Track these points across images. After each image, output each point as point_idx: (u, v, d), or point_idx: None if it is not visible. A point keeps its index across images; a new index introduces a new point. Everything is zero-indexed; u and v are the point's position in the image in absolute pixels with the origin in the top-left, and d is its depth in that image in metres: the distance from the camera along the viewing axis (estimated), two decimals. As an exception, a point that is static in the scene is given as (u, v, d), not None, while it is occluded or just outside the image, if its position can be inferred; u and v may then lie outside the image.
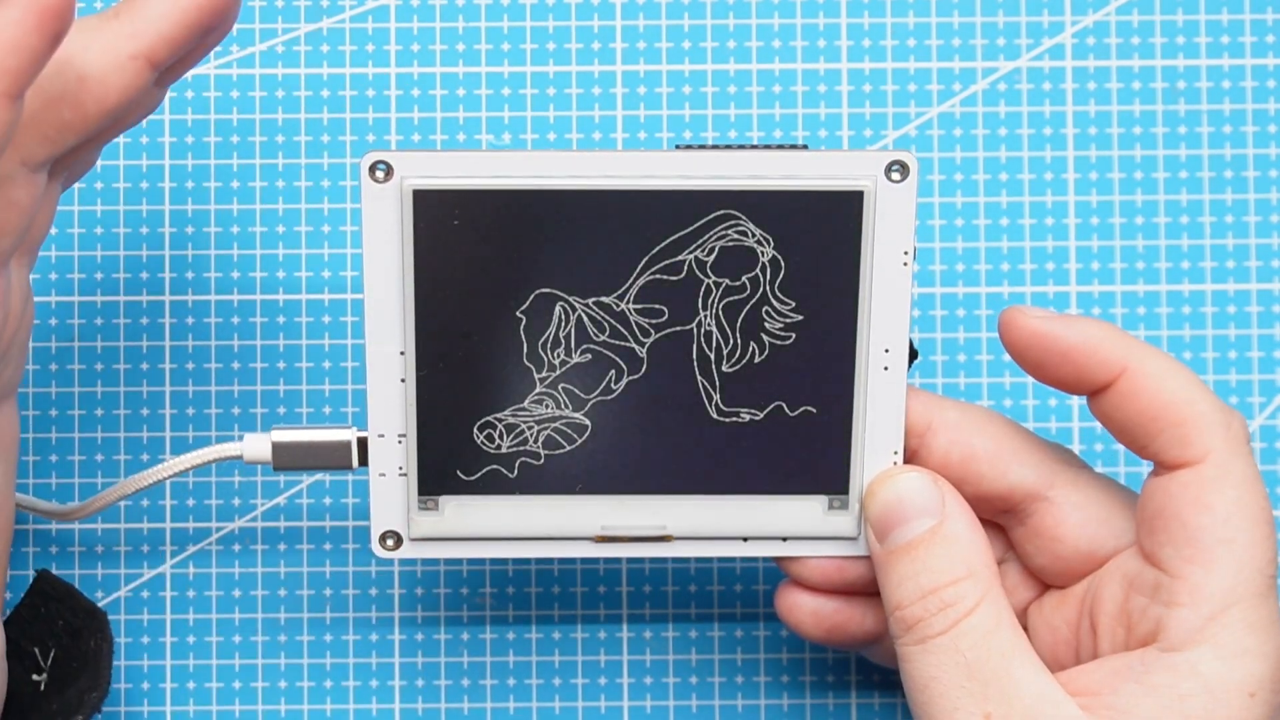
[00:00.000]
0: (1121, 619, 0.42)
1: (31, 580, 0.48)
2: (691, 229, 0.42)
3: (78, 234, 0.51)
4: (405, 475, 0.44)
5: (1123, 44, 0.51)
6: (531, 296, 0.42)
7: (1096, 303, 0.51)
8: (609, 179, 0.42)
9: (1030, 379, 0.50)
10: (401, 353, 0.43)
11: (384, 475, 0.44)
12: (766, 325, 0.43)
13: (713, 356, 0.43)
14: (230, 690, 0.51)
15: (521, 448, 0.44)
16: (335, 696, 0.51)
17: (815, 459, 0.44)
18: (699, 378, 0.43)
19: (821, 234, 0.42)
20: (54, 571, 0.50)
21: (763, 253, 0.42)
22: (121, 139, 0.51)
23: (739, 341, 0.43)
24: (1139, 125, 0.51)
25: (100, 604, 0.50)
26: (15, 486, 0.43)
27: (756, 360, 0.43)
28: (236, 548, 0.51)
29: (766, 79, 0.51)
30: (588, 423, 0.43)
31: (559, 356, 0.43)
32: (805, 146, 0.42)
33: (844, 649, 0.48)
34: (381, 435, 0.44)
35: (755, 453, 0.44)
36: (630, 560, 0.51)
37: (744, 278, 0.42)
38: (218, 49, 0.51)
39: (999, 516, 0.44)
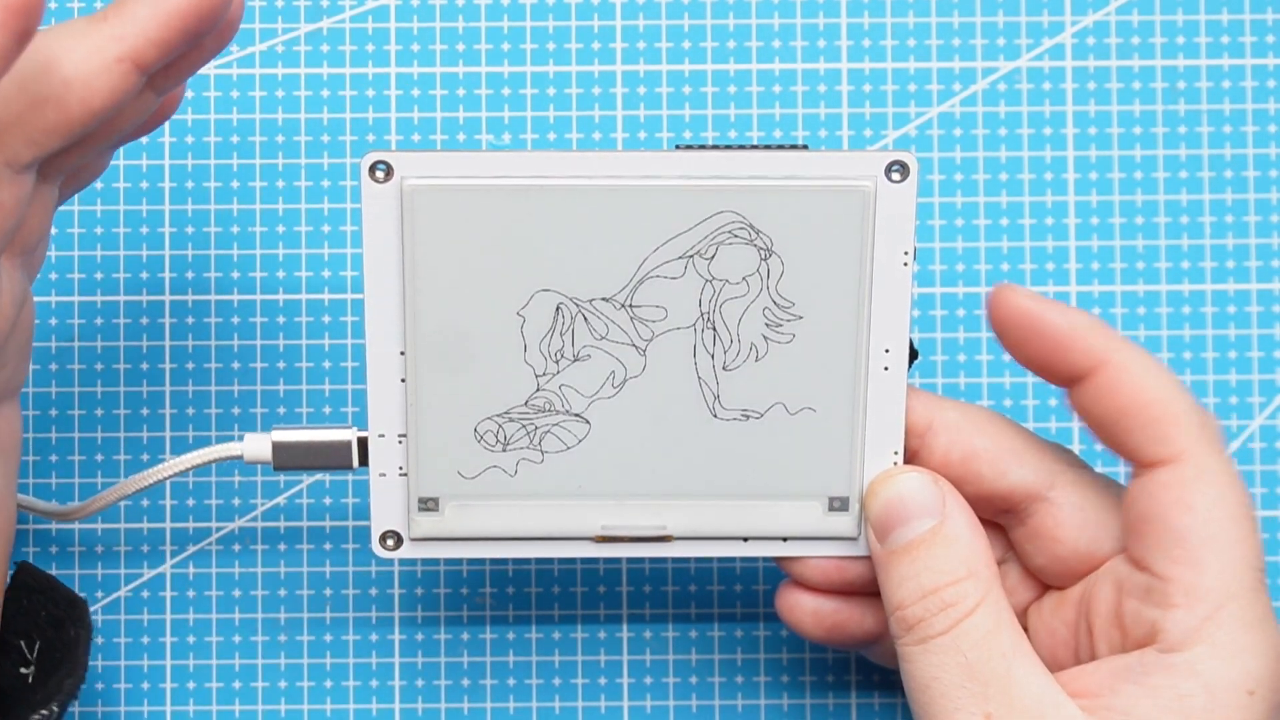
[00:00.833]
0: (1116, 622, 0.42)
1: (12, 573, 0.47)
2: (691, 229, 0.42)
3: (78, 234, 0.51)
4: (405, 475, 0.44)
5: (1123, 44, 0.51)
6: (531, 296, 0.42)
7: (1096, 302, 0.51)
8: (609, 179, 0.42)
9: (1031, 377, 0.50)
10: (401, 353, 0.43)
11: (384, 475, 0.44)
12: (767, 325, 0.43)
13: (713, 356, 0.43)
14: (230, 690, 0.51)
15: (522, 448, 0.44)
16: (335, 696, 0.51)
17: (815, 459, 0.44)
18: (699, 378, 0.43)
19: (822, 234, 0.42)
20: (54, 572, 0.50)
21: (763, 253, 0.42)
22: (121, 139, 0.51)
23: (739, 341, 0.43)
24: (1139, 125, 0.51)
25: (100, 604, 0.50)
26: (16, 487, 0.43)
27: (756, 360, 0.43)
28: (236, 548, 0.51)
29: (766, 79, 0.51)
30: (588, 423, 0.43)
31: (559, 356, 0.43)
32: (806, 146, 0.42)
33: (844, 649, 0.48)
34: (382, 435, 0.44)
35: (755, 453, 0.44)
36: (630, 560, 0.51)
37: (744, 278, 0.42)
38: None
39: (999, 516, 0.44)
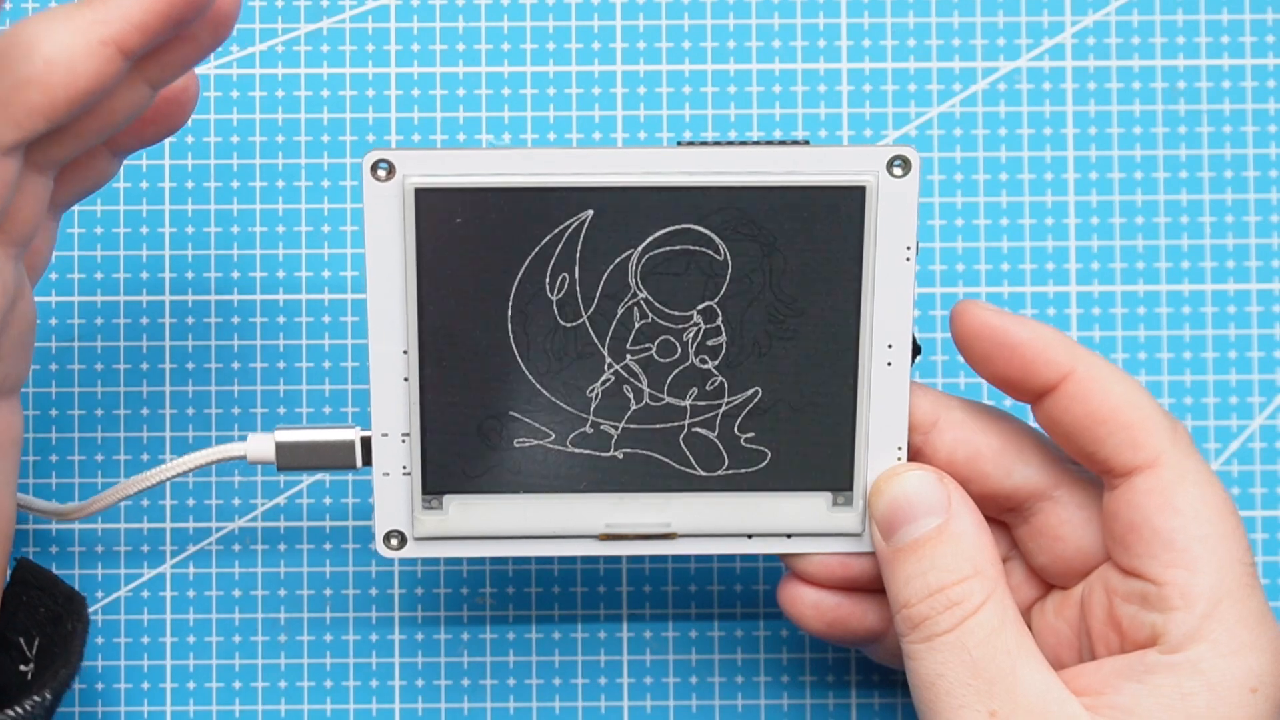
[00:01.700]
0: (1112, 625, 0.42)
1: (11, 569, 0.47)
2: (694, 225, 0.42)
3: (77, 234, 0.51)
4: (409, 474, 0.44)
5: (1123, 44, 0.51)
6: (534, 294, 0.42)
7: (1096, 303, 0.51)
8: (612, 176, 0.42)
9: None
10: (404, 352, 0.43)
11: (388, 475, 0.44)
12: (769, 321, 0.43)
13: (716, 352, 0.43)
14: (230, 690, 0.51)
15: (525, 446, 0.44)
16: (335, 696, 0.51)
17: (819, 455, 0.44)
18: (702, 372, 0.43)
19: (824, 229, 0.42)
20: (54, 571, 0.50)
21: (765, 248, 0.42)
22: (121, 139, 0.51)
23: (742, 337, 0.43)
24: (1139, 125, 0.51)
25: (100, 604, 0.50)
26: (16, 486, 0.43)
27: (760, 356, 0.43)
28: (236, 548, 0.51)
29: (766, 79, 0.51)
30: (591, 420, 0.43)
31: (561, 354, 0.43)
32: (808, 142, 0.42)
33: (845, 645, 0.48)
34: (385, 434, 0.43)
35: (759, 449, 0.44)
36: (630, 560, 0.51)
37: (747, 273, 0.42)
38: (218, 49, 0.51)
39: (1003, 515, 0.45)
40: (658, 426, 0.43)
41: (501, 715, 0.51)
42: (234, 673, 0.51)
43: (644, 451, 0.44)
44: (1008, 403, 0.51)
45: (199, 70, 0.51)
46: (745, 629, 0.51)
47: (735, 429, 0.43)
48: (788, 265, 0.42)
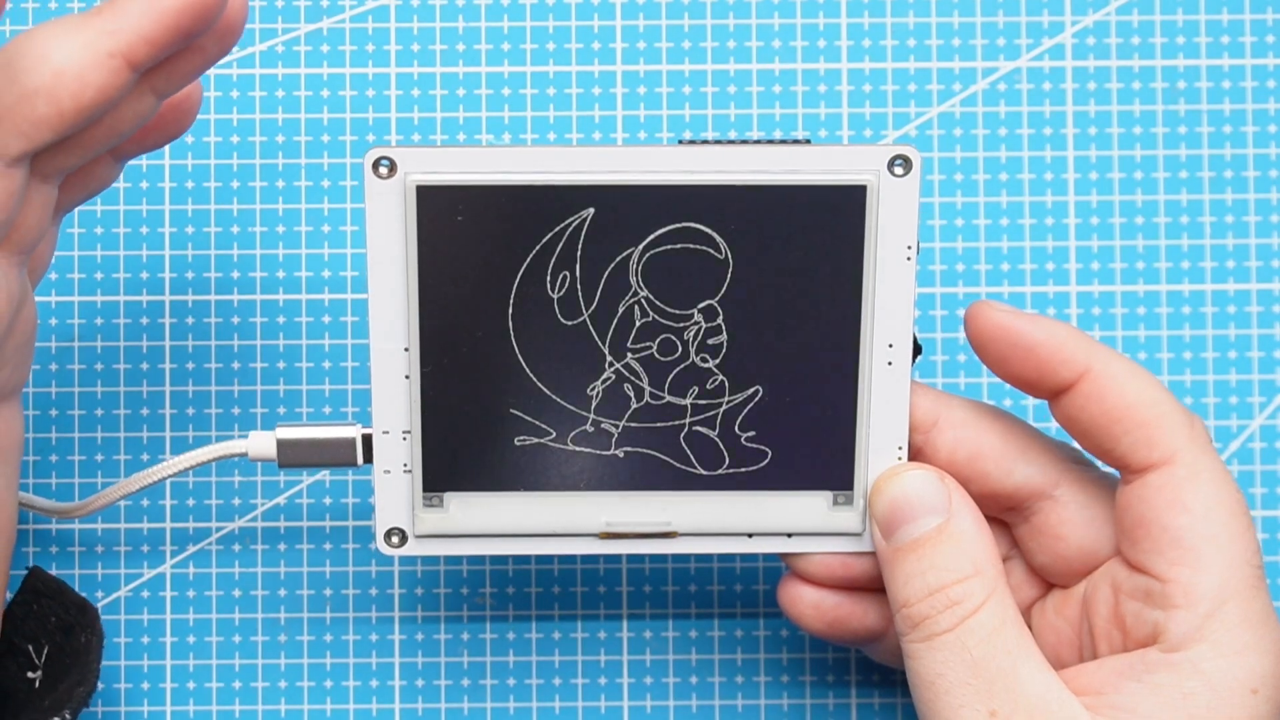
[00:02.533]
0: (1116, 623, 0.42)
1: (23, 576, 0.47)
2: (695, 224, 0.42)
3: (77, 234, 0.51)
4: (410, 472, 0.44)
5: (1123, 44, 0.51)
6: (535, 292, 0.42)
7: (1096, 302, 0.51)
8: (612, 174, 0.42)
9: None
10: (405, 349, 0.43)
11: (389, 472, 0.44)
12: (770, 320, 0.43)
13: (717, 351, 0.43)
14: (230, 690, 0.51)
15: (526, 444, 0.43)
16: (335, 696, 0.51)
17: (820, 455, 0.44)
18: (703, 371, 0.43)
19: (825, 228, 0.42)
20: (54, 571, 0.50)
21: (766, 247, 0.42)
22: (121, 138, 0.51)
23: (743, 336, 0.43)
24: (1139, 125, 0.51)
25: (100, 604, 0.50)
26: (18, 486, 0.43)
27: (760, 355, 0.43)
28: (236, 548, 0.51)
29: (766, 79, 0.51)
30: (592, 418, 0.43)
31: (562, 352, 0.43)
32: (809, 141, 0.42)
33: (845, 644, 0.48)
34: (386, 432, 0.43)
35: (760, 448, 0.44)
36: (630, 559, 0.51)
37: (747, 272, 0.42)
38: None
39: (1003, 514, 0.45)
40: (658, 425, 0.43)
41: (501, 715, 0.51)
42: (234, 673, 0.51)
43: (645, 450, 0.44)
44: (1008, 402, 0.51)
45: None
46: (745, 629, 0.51)
47: (736, 428, 0.43)
48: (789, 264, 0.42)
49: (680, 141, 0.42)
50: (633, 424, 0.43)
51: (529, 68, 0.51)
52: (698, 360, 0.43)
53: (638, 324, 0.43)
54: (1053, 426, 0.51)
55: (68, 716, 0.43)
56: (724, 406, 0.43)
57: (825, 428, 0.43)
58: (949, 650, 0.41)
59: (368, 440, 0.44)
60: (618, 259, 0.42)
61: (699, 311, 0.43)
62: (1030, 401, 0.51)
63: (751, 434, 0.43)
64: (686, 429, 0.43)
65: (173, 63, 0.40)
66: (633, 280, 0.42)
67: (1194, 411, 0.51)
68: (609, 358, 0.43)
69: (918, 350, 0.44)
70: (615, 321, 0.43)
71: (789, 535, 0.45)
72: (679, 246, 0.42)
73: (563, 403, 0.43)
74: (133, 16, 0.38)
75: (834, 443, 0.43)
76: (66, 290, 0.51)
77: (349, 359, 0.51)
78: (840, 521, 0.44)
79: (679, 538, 0.44)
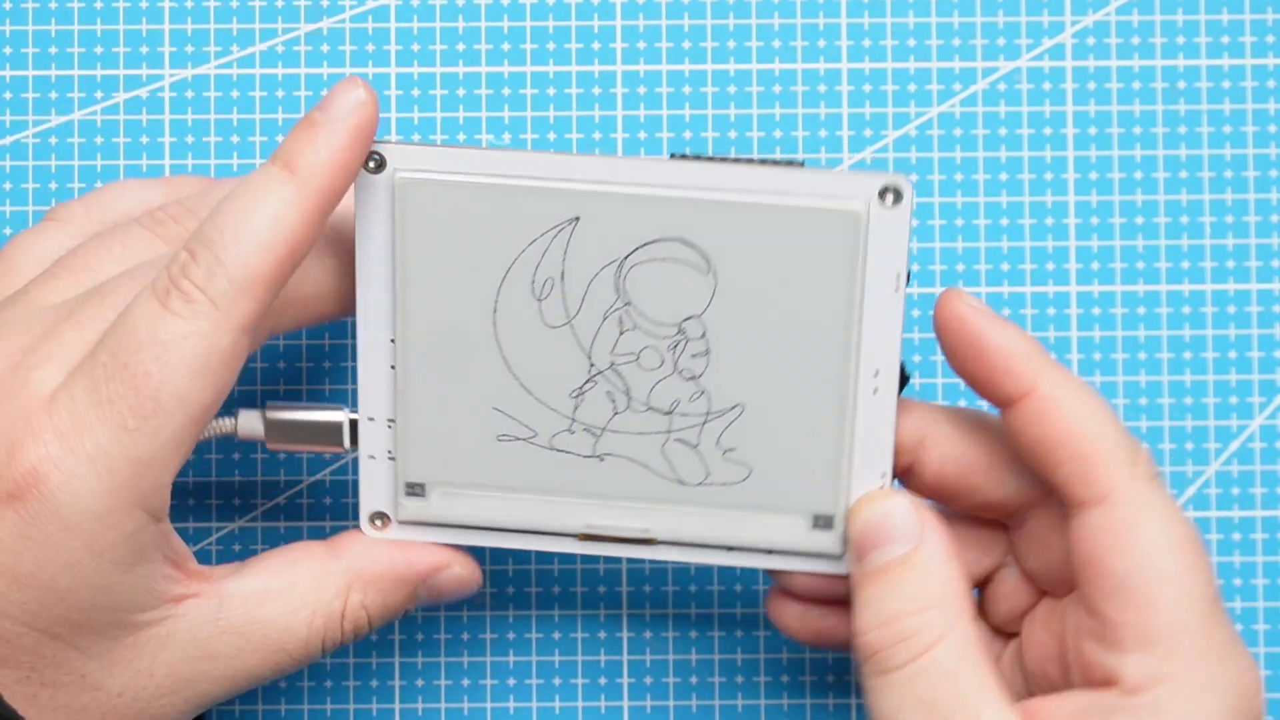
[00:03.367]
0: (1077, 659, 0.42)
1: None
2: (682, 237, 0.42)
3: (78, 234, 0.51)
4: (394, 459, 0.44)
5: (1123, 44, 0.51)
6: (519, 293, 0.42)
7: (1096, 303, 0.51)
8: (601, 184, 0.42)
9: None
10: (392, 340, 0.43)
11: (374, 458, 0.44)
12: (754, 338, 0.43)
13: (700, 365, 0.43)
14: (230, 690, 0.51)
15: (508, 441, 0.44)
16: (336, 697, 0.51)
17: (802, 476, 0.43)
18: (686, 384, 0.43)
19: (813, 252, 0.42)
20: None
21: (753, 266, 0.42)
22: (121, 139, 0.51)
23: (726, 352, 0.43)
24: (1139, 125, 0.51)
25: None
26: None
27: (743, 372, 0.43)
28: (237, 548, 0.51)
29: (766, 79, 0.51)
30: (575, 421, 0.43)
31: (545, 355, 0.43)
32: (802, 164, 0.42)
33: (833, 651, 0.48)
34: (371, 419, 0.44)
35: (742, 464, 0.43)
36: (630, 560, 0.51)
37: (733, 289, 0.42)
38: (218, 49, 0.51)
39: (1002, 519, 0.44)
40: (639, 434, 0.43)
41: (501, 715, 0.51)
42: (234, 673, 0.51)
43: (625, 457, 0.44)
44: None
45: (197, 71, 0.51)
46: (745, 629, 0.51)
47: (717, 443, 0.43)
48: (775, 285, 0.42)
49: (673, 156, 0.42)
50: (614, 431, 0.43)
51: (529, 68, 0.51)
52: (680, 373, 0.43)
53: (621, 333, 0.43)
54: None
55: None
56: (705, 421, 0.43)
57: (807, 449, 0.43)
58: (902, 689, 0.40)
59: (355, 425, 0.44)
60: (603, 267, 0.42)
61: (683, 325, 0.43)
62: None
63: (732, 450, 0.43)
64: (667, 440, 0.43)
65: None
66: (617, 290, 0.42)
67: (1194, 412, 0.51)
68: (592, 364, 0.43)
69: (905, 379, 0.43)
70: (599, 329, 0.43)
71: (768, 552, 0.44)
72: (665, 259, 0.42)
73: (544, 404, 0.43)
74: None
75: (815, 465, 0.43)
76: (67, 290, 0.51)
77: (349, 360, 0.51)
78: (819, 543, 0.44)
79: (658, 545, 0.44)
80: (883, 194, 0.41)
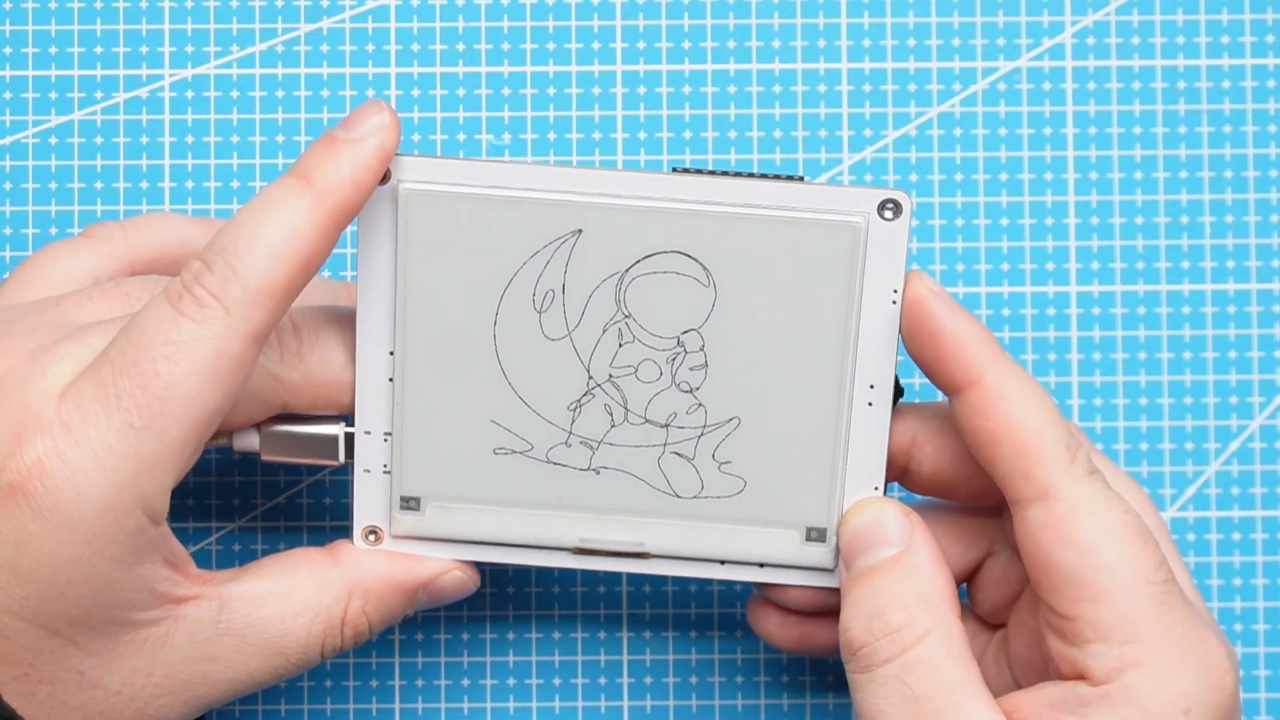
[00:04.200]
0: (1048, 654, 0.42)
1: None
2: (683, 251, 0.42)
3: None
4: (390, 473, 0.44)
5: (1123, 44, 0.51)
6: (521, 307, 0.42)
7: (1096, 303, 0.51)
8: (603, 197, 0.42)
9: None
10: (391, 353, 0.43)
11: (369, 471, 0.44)
12: (752, 352, 0.43)
13: (698, 378, 0.43)
14: (230, 690, 0.51)
15: (504, 454, 0.44)
16: (336, 696, 0.51)
17: (796, 489, 0.44)
18: (683, 397, 0.43)
19: (812, 266, 0.42)
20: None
21: (752, 280, 0.42)
22: (121, 139, 0.51)
23: (724, 365, 0.43)
24: (1139, 125, 0.51)
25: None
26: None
27: (741, 385, 0.43)
28: (237, 548, 0.51)
29: (766, 79, 0.51)
30: (570, 435, 0.43)
31: (544, 367, 0.43)
32: (803, 178, 0.42)
33: (815, 656, 0.49)
34: (368, 432, 0.44)
35: (736, 478, 0.44)
36: (630, 560, 0.51)
37: (732, 303, 0.42)
38: (218, 49, 0.51)
39: (1000, 502, 0.44)
40: (636, 446, 0.43)
41: (501, 715, 0.51)
42: (234, 673, 0.51)
43: (621, 470, 0.44)
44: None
45: (197, 71, 0.51)
46: (745, 628, 0.51)
47: (712, 456, 0.43)
48: (774, 298, 0.42)
49: (675, 170, 0.42)
50: (610, 443, 0.43)
51: (529, 68, 0.51)
52: (678, 386, 0.43)
53: (620, 346, 0.43)
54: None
55: None
56: (702, 434, 0.43)
57: (802, 463, 0.43)
58: (888, 684, 0.40)
59: (350, 439, 0.44)
60: (604, 280, 0.42)
61: (681, 337, 0.43)
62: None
63: (728, 463, 0.43)
64: (663, 452, 0.44)
65: None
66: (617, 302, 0.42)
67: (1194, 412, 0.51)
68: (590, 376, 0.43)
69: (899, 392, 0.43)
70: (598, 341, 0.43)
71: (761, 565, 0.45)
72: (665, 272, 0.42)
73: (542, 417, 0.43)
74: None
75: (809, 478, 0.43)
76: (67, 290, 0.51)
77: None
78: (812, 556, 0.44)
79: (652, 559, 0.44)
80: (882, 208, 0.42)
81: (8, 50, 0.51)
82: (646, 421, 0.43)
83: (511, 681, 0.51)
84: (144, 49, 0.51)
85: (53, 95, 0.51)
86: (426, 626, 0.51)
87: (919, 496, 0.46)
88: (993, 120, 0.51)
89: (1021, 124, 0.51)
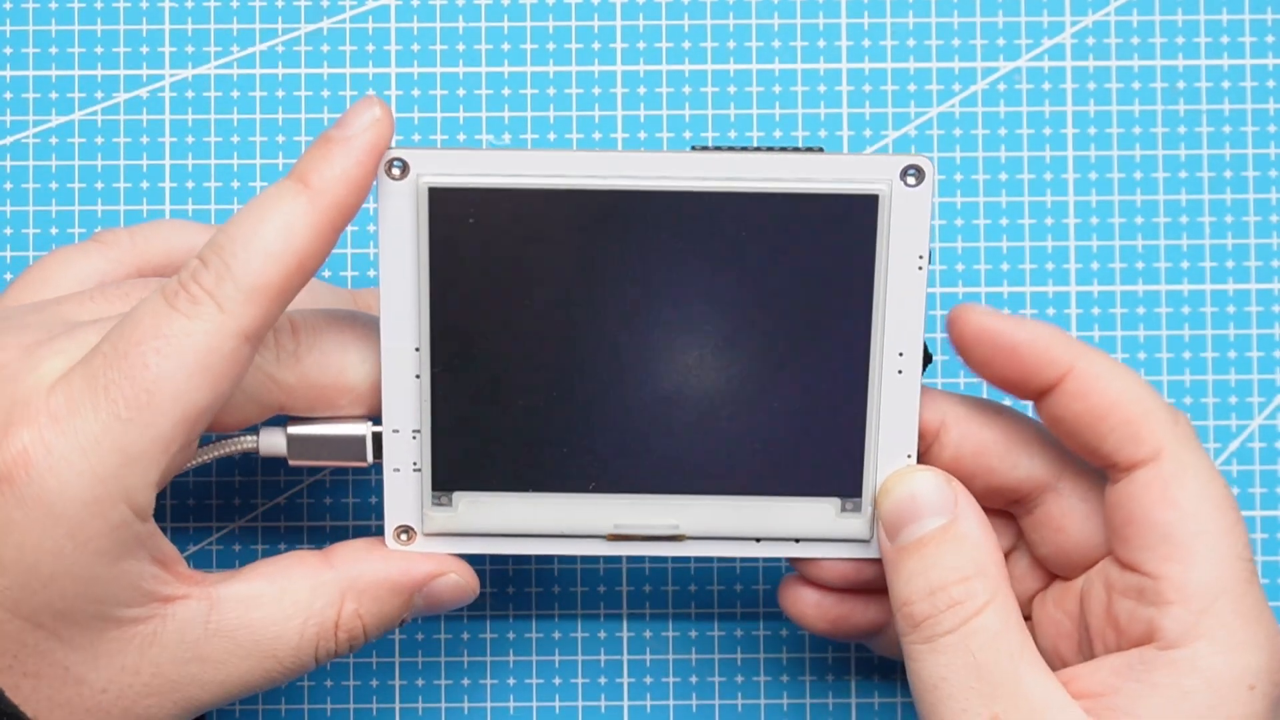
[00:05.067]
0: (1110, 622, 0.42)
1: None
2: (707, 230, 0.42)
3: (78, 235, 0.51)
4: (419, 471, 0.44)
5: (1123, 44, 0.51)
6: (547, 294, 0.42)
7: (1096, 303, 0.51)
8: (624, 179, 0.42)
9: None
10: (416, 349, 0.43)
11: (398, 470, 0.44)
12: (781, 326, 0.43)
13: (728, 356, 0.43)
14: (230, 690, 0.51)
15: (535, 444, 0.44)
16: (336, 696, 0.51)
17: (829, 461, 0.44)
18: (714, 378, 0.43)
19: (836, 237, 0.42)
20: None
21: (778, 254, 0.42)
22: (121, 139, 0.51)
23: (753, 342, 0.43)
24: (1139, 125, 0.51)
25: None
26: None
27: (771, 361, 0.43)
28: (237, 548, 0.51)
29: (766, 79, 0.51)
30: (603, 421, 0.43)
31: (573, 355, 0.43)
32: (822, 149, 0.42)
33: (847, 640, 0.48)
34: (396, 430, 0.44)
35: (769, 453, 0.44)
36: (630, 559, 0.51)
37: (759, 279, 0.42)
38: (218, 49, 0.51)
39: (1009, 506, 0.45)
40: (667, 426, 0.43)
41: (501, 715, 0.51)
42: (234, 673, 0.51)
43: (653, 451, 0.44)
44: (1007, 400, 0.51)
45: (197, 71, 0.51)
46: (745, 629, 0.51)
47: (745, 433, 0.43)
48: (799, 272, 0.42)
49: (693, 148, 0.42)
50: (641, 425, 0.43)
51: (529, 68, 0.51)
52: (708, 365, 0.43)
53: (649, 326, 0.43)
54: (1052, 427, 0.51)
55: None
56: (734, 412, 0.43)
57: (834, 434, 0.43)
58: (951, 653, 0.41)
59: (377, 438, 0.44)
60: (629, 262, 0.42)
61: (710, 317, 0.43)
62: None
63: (760, 439, 0.43)
64: (695, 430, 0.43)
65: None
66: (644, 284, 0.42)
67: (1194, 411, 0.51)
68: (618, 359, 0.43)
69: (928, 359, 0.44)
70: (625, 325, 0.43)
71: (796, 540, 0.45)
72: (691, 250, 0.42)
73: (571, 403, 0.43)
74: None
75: (842, 449, 0.43)
76: (66, 290, 0.51)
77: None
78: (848, 528, 0.44)
79: (687, 541, 0.44)
80: (905, 174, 0.42)
81: (8, 50, 0.51)
82: (676, 401, 0.43)
83: (511, 681, 0.51)
84: (144, 49, 0.51)
85: (53, 95, 0.51)
86: (426, 626, 0.51)
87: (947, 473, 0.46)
88: (992, 120, 0.51)
89: (1021, 124, 0.51)
